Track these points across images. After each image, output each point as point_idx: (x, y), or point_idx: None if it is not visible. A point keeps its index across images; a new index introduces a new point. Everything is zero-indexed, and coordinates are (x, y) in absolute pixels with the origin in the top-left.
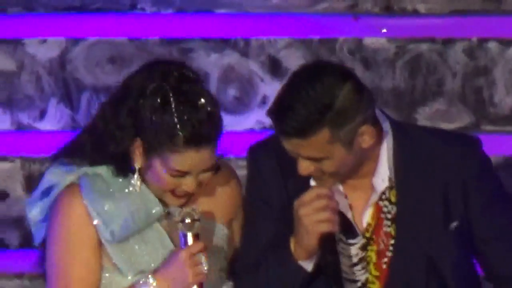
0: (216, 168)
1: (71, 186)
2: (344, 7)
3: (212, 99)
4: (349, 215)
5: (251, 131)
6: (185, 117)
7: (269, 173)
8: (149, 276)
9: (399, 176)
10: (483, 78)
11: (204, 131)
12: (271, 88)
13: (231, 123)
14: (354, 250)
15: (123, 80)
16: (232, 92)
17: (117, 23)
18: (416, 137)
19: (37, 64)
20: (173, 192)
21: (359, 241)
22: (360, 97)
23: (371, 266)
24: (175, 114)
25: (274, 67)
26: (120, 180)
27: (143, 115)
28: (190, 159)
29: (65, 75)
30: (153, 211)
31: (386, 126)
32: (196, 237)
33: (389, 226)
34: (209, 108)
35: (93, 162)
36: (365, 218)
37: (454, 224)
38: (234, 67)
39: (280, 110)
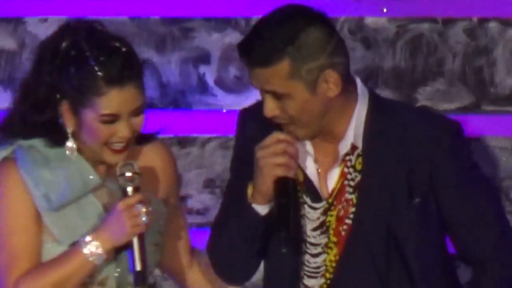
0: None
1: (5, 160)
2: None
3: (125, 41)
4: (315, 179)
5: None
6: (102, 59)
7: (252, 135)
8: (86, 236)
9: (367, 145)
10: (484, 58)
11: (123, 68)
12: None
13: (232, 102)
14: (316, 214)
15: (36, 50)
16: (233, 71)
17: (118, 2)
18: (392, 111)
19: (38, 43)
20: (110, 146)
21: (322, 205)
22: (327, 41)
23: (330, 231)
24: (92, 59)
25: None
26: (55, 150)
27: (63, 73)
28: (115, 99)
29: None
30: (90, 177)
31: (364, 93)
32: (136, 190)
33: (351, 193)
34: (124, 49)
35: (26, 136)
36: (330, 183)
37: (416, 201)
38: (235, 45)
39: (246, 41)
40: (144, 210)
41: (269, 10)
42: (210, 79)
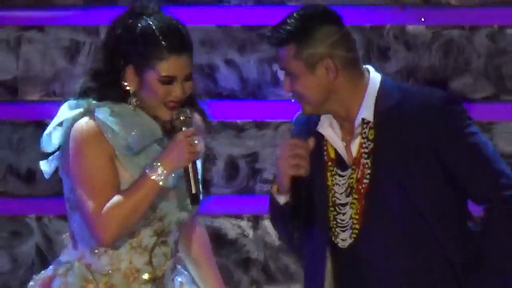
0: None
1: (84, 114)
2: (391, 0)
3: (181, 21)
4: (343, 153)
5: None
6: (165, 30)
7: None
8: (153, 165)
9: (376, 118)
10: (503, 58)
11: (182, 39)
12: None
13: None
14: (344, 180)
15: (106, 32)
16: None
17: (207, 13)
18: (397, 89)
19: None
20: (165, 104)
21: (348, 172)
22: (330, 35)
23: (353, 191)
24: (156, 31)
25: None
26: (122, 107)
27: (131, 43)
28: (173, 64)
29: None
30: (155, 128)
31: (375, 79)
32: None
33: (366, 159)
34: (181, 26)
35: (96, 98)
36: (353, 153)
37: (421, 158)
38: None
39: (272, 29)
40: (197, 141)
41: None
42: (281, 75)
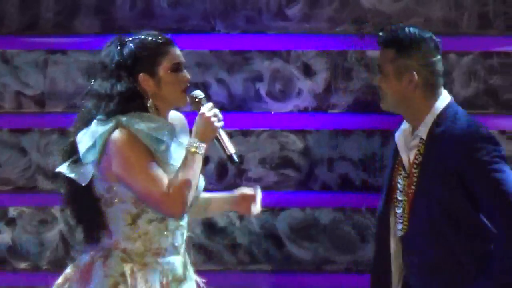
0: None
1: (115, 127)
2: (353, 30)
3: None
4: (406, 160)
5: (291, 112)
6: (155, 35)
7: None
8: (191, 142)
9: (429, 137)
10: (447, 79)
11: (168, 37)
12: (304, 84)
13: (278, 107)
14: (402, 182)
15: (104, 61)
16: (278, 86)
17: (202, 40)
18: (453, 117)
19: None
20: (183, 90)
21: (406, 176)
22: (425, 56)
23: (404, 192)
24: (150, 38)
25: (306, 70)
26: (143, 114)
27: (135, 55)
28: (176, 52)
29: None
30: (172, 127)
31: (443, 102)
32: None
33: (415, 168)
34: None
35: (121, 112)
36: (410, 160)
37: (449, 179)
38: (280, 70)
39: (385, 30)
40: (218, 112)
41: (302, 46)
42: (263, 92)
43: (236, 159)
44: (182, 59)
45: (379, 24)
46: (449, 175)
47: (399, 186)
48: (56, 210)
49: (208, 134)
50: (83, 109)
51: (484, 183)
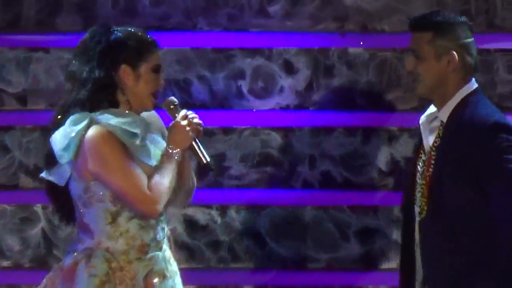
0: None
1: (89, 125)
2: (334, 28)
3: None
4: (427, 143)
5: (273, 110)
6: (143, 32)
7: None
8: (168, 148)
9: (448, 121)
10: None
11: (154, 38)
12: (286, 82)
13: (259, 104)
14: (422, 164)
15: (84, 47)
16: (260, 84)
17: (183, 38)
18: (473, 103)
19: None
20: (153, 94)
21: (426, 159)
22: (463, 38)
23: (422, 175)
24: (140, 33)
25: (288, 67)
26: (117, 110)
27: (122, 46)
28: (158, 55)
29: None
30: (146, 123)
31: (470, 87)
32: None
33: (433, 152)
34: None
35: (92, 106)
36: (429, 143)
37: (461, 163)
38: (261, 67)
39: (416, 17)
40: (194, 118)
41: (284, 43)
42: (244, 89)
43: (211, 166)
44: (161, 62)
45: (360, 21)
46: (463, 162)
47: (419, 169)
48: (38, 208)
49: (183, 143)
50: (61, 102)
51: (495, 172)
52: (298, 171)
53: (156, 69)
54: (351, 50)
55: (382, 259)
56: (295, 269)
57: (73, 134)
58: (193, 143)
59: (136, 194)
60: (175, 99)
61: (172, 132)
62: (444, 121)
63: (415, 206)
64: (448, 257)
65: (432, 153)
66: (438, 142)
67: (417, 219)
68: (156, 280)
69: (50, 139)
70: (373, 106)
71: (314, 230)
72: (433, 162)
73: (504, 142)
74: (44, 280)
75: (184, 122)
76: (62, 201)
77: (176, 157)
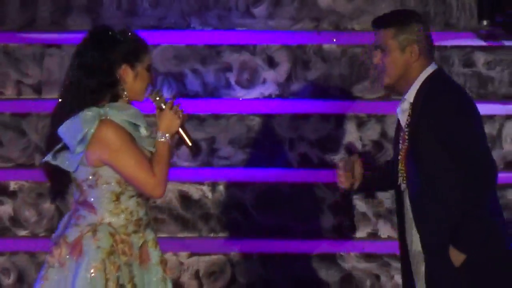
0: None
1: (101, 120)
2: (311, 27)
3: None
4: (403, 122)
5: (257, 99)
6: (140, 39)
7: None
8: (160, 135)
9: (414, 100)
10: None
11: (146, 42)
12: (268, 74)
13: (245, 94)
14: (401, 140)
15: (77, 53)
16: (245, 76)
17: (179, 36)
18: (434, 82)
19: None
20: (146, 88)
21: (402, 136)
22: (418, 30)
23: (401, 150)
24: (136, 36)
25: (270, 61)
26: (120, 104)
27: (126, 47)
28: (150, 56)
29: None
30: (142, 114)
31: (430, 70)
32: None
33: (406, 128)
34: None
35: (96, 94)
36: (403, 122)
37: (424, 133)
38: (247, 61)
39: (378, 17)
40: (179, 108)
41: (266, 40)
42: (232, 81)
43: (194, 148)
44: (151, 63)
45: (333, 21)
46: (426, 132)
47: (400, 144)
48: None
49: (172, 129)
50: (61, 98)
51: (448, 139)
52: (279, 152)
53: (149, 68)
54: (326, 46)
55: (352, 229)
56: (276, 238)
57: (86, 129)
58: (180, 128)
59: (145, 179)
60: (161, 90)
61: (162, 119)
62: (411, 101)
63: (399, 177)
64: (428, 223)
65: (406, 129)
66: (409, 120)
67: (402, 188)
68: (150, 249)
69: (60, 130)
70: (344, 95)
71: (293, 204)
72: (406, 137)
73: (451, 112)
74: (50, 253)
75: (172, 111)
76: (62, 180)
77: (169, 142)
